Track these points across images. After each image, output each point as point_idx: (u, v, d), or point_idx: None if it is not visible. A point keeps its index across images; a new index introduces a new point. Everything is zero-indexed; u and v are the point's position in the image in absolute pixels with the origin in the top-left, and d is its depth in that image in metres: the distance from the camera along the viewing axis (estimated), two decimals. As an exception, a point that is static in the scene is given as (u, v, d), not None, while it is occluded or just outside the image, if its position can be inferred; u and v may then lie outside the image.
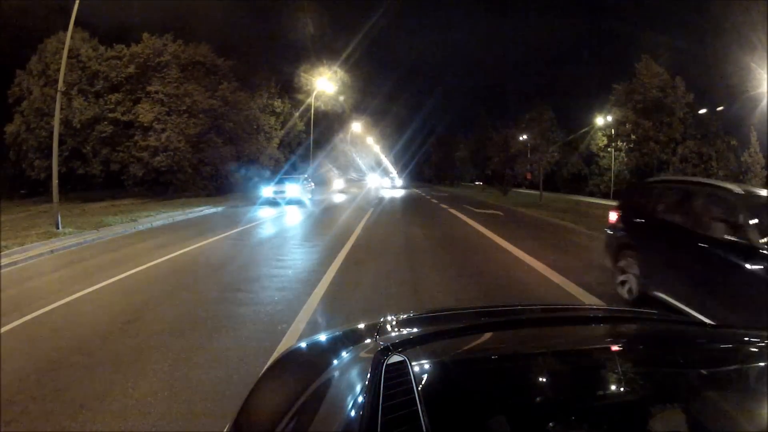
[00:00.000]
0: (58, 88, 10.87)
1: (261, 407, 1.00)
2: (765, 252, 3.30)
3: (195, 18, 27.33)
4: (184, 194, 21.11)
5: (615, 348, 1.10)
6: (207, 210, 15.82)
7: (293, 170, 27.04)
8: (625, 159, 34.07)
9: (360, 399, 0.76)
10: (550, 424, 0.71)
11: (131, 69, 22.08)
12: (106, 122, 21.32)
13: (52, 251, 8.03)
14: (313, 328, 4.07)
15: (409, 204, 22.34)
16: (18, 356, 3.46)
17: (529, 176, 36.26)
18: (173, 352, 3.48)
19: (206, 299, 4.99)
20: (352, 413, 0.74)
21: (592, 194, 42.46)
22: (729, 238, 3.57)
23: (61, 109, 13.17)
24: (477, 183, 61.91)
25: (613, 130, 21.59)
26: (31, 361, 3.37)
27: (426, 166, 73.38)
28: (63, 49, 10.94)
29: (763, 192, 3.92)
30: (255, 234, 10.53)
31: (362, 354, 1.02)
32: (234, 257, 7.51)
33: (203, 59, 23.90)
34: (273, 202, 18.11)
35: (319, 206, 18.16)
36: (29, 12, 22.68)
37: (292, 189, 18.68)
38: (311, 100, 29.42)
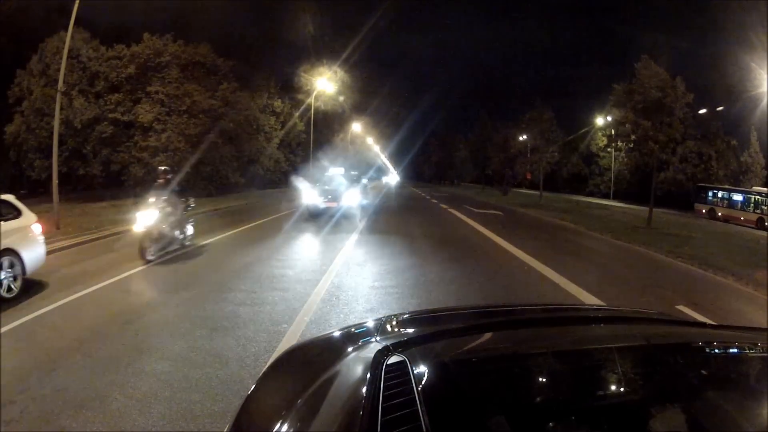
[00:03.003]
0: (58, 89, 10.86)
1: (261, 407, 1.00)
2: None
3: (195, 18, 27.30)
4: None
5: (615, 348, 1.10)
6: None
7: None
8: (625, 159, 34.06)
9: (360, 399, 0.76)
10: (550, 424, 0.71)
11: (131, 69, 22.05)
12: (106, 122, 21.28)
13: (52, 251, 8.01)
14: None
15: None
16: (19, 356, 3.46)
17: (529, 176, 36.25)
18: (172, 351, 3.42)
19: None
20: (352, 413, 0.74)
21: (592, 194, 42.55)
22: None
23: (62, 109, 13.17)
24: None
25: (612, 130, 21.67)
26: (31, 361, 3.37)
27: (426, 165, 73.38)
28: (63, 49, 10.93)
29: None
30: None
31: (362, 354, 1.02)
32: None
33: (203, 59, 23.87)
34: None
35: None
36: (29, 12, 22.67)
37: None
38: (311, 100, 29.39)
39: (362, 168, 38.09)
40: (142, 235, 6.96)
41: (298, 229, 10.90)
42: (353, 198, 14.40)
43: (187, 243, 8.18)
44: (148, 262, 6.74)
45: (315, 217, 12.98)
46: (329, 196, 13.63)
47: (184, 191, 8.41)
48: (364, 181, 27.04)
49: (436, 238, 10.17)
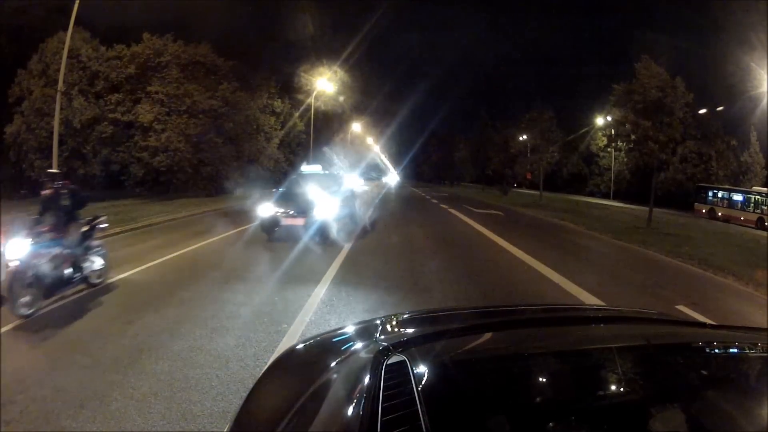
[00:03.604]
0: (58, 88, 10.89)
1: (261, 407, 1.00)
2: None
3: (195, 18, 27.30)
4: (185, 195, 21.11)
5: (615, 348, 1.10)
6: None
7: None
8: (625, 159, 34.03)
9: (360, 399, 0.76)
10: (550, 424, 0.71)
11: (131, 69, 22.07)
12: (106, 122, 21.29)
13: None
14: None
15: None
16: (18, 356, 3.46)
17: (529, 176, 36.28)
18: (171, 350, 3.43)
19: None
20: (352, 413, 0.74)
21: (592, 194, 42.59)
22: None
23: (61, 109, 13.18)
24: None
25: (612, 130, 21.74)
26: (31, 361, 3.37)
27: (426, 166, 73.36)
28: (63, 49, 10.95)
29: None
30: None
31: (362, 354, 1.02)
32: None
33: (203, 59, 23.86)
34: None
35: None
36: (29, 12, 22.67)
37: None
38: (311, 100, 29.39)
39: (358, 167, 33.07)
40: (8, 278, 4.21)
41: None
42: (331, 210, 9.02)
43: (96, 280, 5.46)
44: (26, 317, 4.22)
45: (270, 238, 8.92)
46: (294, 209, 8.84)
47: (82, 201, 5.44)
48: (359, 182, 19.96)
49: (436, 240, 10.15)
